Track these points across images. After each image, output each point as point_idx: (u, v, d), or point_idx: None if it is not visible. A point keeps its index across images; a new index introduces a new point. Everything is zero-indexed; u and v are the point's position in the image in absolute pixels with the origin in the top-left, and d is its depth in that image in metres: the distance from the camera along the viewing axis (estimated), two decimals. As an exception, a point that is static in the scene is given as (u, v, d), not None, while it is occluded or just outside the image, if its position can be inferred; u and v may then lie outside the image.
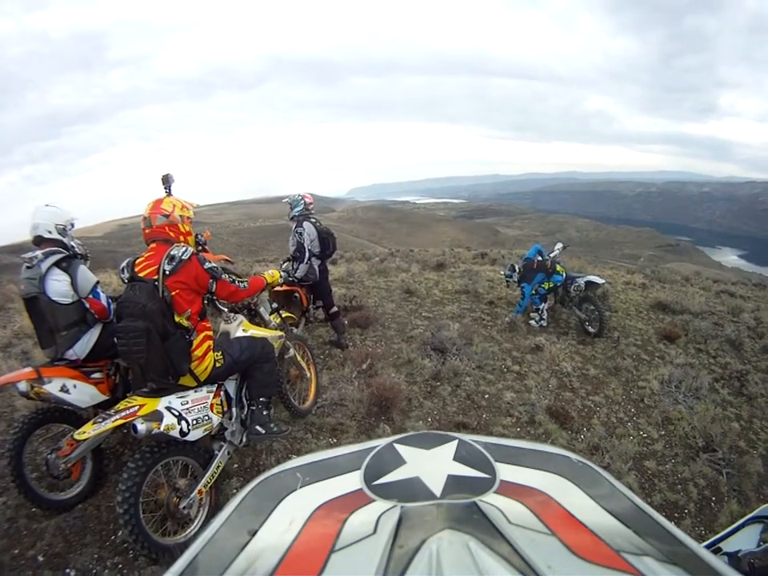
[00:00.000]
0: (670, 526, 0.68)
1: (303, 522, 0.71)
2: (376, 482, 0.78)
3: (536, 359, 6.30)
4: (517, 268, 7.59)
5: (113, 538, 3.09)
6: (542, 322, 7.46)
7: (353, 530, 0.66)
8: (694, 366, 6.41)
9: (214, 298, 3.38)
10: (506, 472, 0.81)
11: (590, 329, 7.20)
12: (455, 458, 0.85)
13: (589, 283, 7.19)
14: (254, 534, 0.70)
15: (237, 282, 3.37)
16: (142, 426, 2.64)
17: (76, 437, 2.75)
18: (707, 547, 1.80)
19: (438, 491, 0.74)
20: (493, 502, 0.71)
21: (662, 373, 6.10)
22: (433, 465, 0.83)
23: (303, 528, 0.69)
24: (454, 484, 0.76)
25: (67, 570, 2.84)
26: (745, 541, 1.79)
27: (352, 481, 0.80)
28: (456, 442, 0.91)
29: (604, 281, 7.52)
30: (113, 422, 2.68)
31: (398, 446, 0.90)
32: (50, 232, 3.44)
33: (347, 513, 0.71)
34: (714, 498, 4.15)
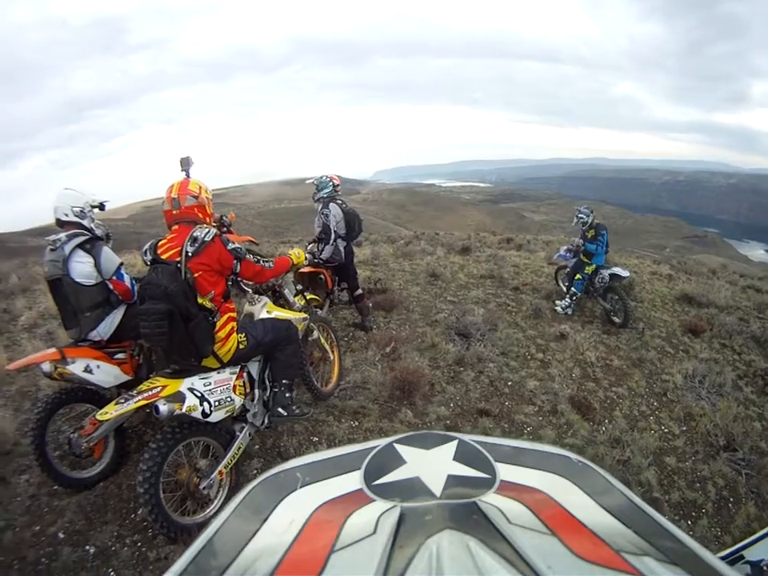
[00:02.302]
0: (671, 526, 0.68)
1: (303, 521, 0.71)
2: (376, 482, 0.79)
3: (560, 347, 6.23)
4: (593, 214, 7.52)
5: (132, 516, 3.15)
6: (568, 310, 7.40)
7: (353, 530, 0.67)
8: (719, 361, 6.27)
9: (239, 278, 3.38)
10: (506, 472, 0.81)
11: (615, 319, 7.13)
12: (455, 458, 0.85)
13: (613, 275, 7.13)
14: (255, 533, 0.71)
15: (262, 261, 3.35)
16: (164, 407, 2.65)
17: (99, 417, 2.78)
18: (730, 554, 1.77)
19: (437, 491, 0.74)
20: (493, 501, 0.71)
21: (685, 367, 5.97)
22: (433, 465, 0.83)
23: (303, 528, 0.70)
24: (454, 484, 0.76)
25: (87, 547, 2.90)
26: None
27: (352, 481, 0.80)
28: (456, 441, 0.91)
29: (628, 274, 7.44)
30: (135, 402, 2.70)
31: (398, 446, 0.90)
32: (66, 215, 3.48)
33: (347, 513, 0.72)
34: (731, 499, 4.06)
